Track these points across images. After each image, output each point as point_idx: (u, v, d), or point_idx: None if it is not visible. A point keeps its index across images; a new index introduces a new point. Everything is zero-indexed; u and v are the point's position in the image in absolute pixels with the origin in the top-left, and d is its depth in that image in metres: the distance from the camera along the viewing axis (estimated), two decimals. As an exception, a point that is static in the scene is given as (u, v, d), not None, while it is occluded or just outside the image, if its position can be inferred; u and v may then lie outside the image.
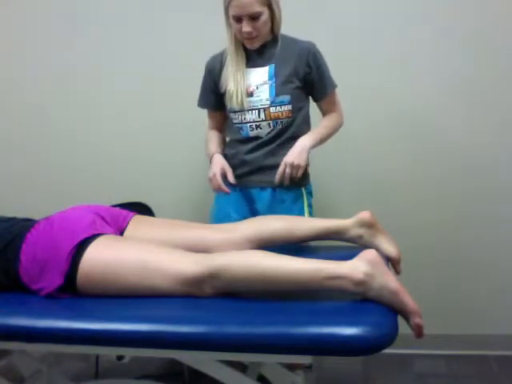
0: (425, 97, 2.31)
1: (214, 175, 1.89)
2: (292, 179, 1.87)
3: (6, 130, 2.61)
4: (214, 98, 1.99)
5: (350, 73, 2.24)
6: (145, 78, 2.46)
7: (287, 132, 1.91)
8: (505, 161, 2.30)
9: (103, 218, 1.65)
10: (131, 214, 1.76)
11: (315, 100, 1.97)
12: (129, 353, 1.65)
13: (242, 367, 1.65)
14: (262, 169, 1.93)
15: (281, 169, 1.86)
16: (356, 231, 1.65)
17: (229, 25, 1.86)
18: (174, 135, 2.49)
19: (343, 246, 1.71)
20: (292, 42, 1.91)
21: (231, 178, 1.90)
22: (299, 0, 2.28)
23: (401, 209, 2.35)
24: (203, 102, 2.04)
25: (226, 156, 1.98)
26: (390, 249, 1.63)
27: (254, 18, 1.76)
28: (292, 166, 1.84)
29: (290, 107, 1.88)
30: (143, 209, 2.09)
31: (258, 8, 1.75)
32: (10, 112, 2.60)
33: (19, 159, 2.61)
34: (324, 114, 1.98)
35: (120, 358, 2.06)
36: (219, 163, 1.92)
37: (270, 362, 1.52)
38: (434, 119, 2.32)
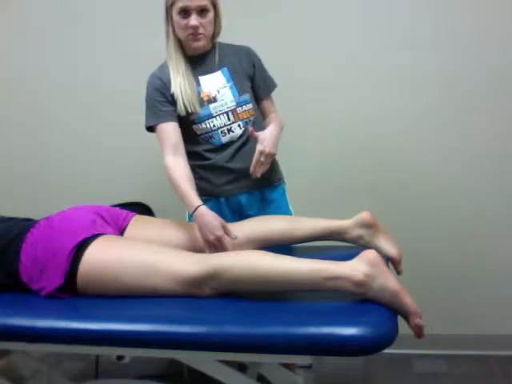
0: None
1: (219, 239, 1.61)
2: (262, 175, 1.79)
3: (5, 131, 2.61)
4: (172, 108, 1.82)
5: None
6: (145, 77, 2.47)
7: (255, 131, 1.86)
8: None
9: (103, 218, 1.65)
10: (131, 214, 1.77)
11: (260, 99, 1.95)
12: (129, 353, 1.66)
13: (241, 367, 1.66)
14: (246, 173, 1.83)
15: (256, 157, 1.75)
16: (356, 231, 1.65)
17: (170, 25, 1.81)
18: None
19: (343, 245, 1.71)
20: (231, 46, 1.92)
21: (232, 234, 1.64)
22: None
23: (400, 206, 2.35)
24: (163, 115, 1.80)
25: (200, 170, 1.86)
26: (391, 249, 1.63)
27: (202, 10, 1.76)
28: (268, 155, 1.75)
29: (251, 106, 1.88)
30: (143, 209, 2.09)
31: (206, 1, 1.76)
32: (10, 112, 2.60)
33: (19, 159, 2.61)
34: (266, 114, 1.95)
35: (120, 358, 2.07)
36: (218, 221, 1.63)
37: (270, 361, 1.52)
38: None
